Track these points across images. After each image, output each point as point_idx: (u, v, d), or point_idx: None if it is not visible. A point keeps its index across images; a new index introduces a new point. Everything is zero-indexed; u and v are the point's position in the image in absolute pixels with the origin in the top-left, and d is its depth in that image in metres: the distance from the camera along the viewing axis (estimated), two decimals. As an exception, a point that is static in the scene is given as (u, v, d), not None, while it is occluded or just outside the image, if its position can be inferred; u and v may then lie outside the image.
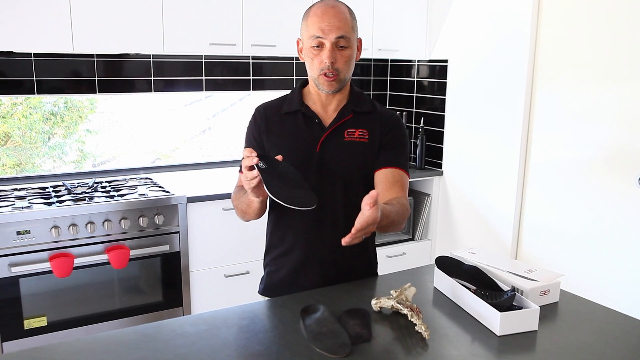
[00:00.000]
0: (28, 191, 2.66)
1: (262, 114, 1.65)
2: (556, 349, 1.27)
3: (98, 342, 1.27)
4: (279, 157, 1.43)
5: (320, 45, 1.51)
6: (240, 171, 1.64)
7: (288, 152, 1.59)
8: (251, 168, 1.36)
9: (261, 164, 1.37)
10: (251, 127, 1.66)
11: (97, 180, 2.89)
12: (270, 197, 1.35)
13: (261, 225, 1.79)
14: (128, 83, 3.02)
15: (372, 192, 1.24)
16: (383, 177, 1.59)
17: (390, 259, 3.36)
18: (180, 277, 2.69)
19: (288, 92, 1.69)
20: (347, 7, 1.55)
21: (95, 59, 2.90)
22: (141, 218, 2.54)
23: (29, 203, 2.43)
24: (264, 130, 1.63)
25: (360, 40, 1.59)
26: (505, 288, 1.45)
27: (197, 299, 2.77)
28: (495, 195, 3.13)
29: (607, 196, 2.61)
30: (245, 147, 1.67)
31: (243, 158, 1.67)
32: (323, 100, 1.61)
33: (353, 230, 1.25)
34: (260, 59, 3.36)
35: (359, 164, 1.60)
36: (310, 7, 1.56)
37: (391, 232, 1.58)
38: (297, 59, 3.41)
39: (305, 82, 1.66)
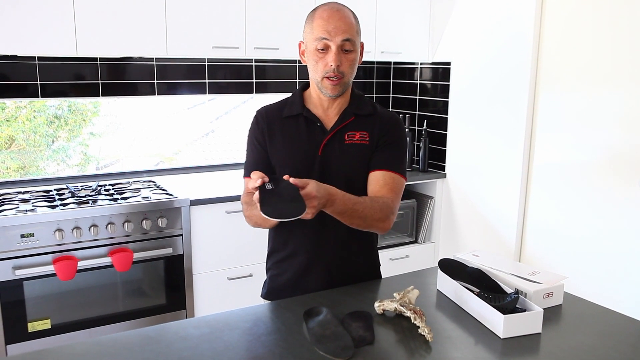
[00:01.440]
0: (32, 194, 2.66)
1: (264, 117, 1.64)
2: (560, 351, 1.26)
3: (101, 345, 1.27)
4: (286, 177, 1.38)
5: (325, 48, 1.50)
6: (245, 176, 1.64)
7: (290, 156, 1.59)
8: (257, 189, 1.34)
9: (269, 186, 1.35)
10: (254, 130, 1.65)
11: (101, 183, 2.89)
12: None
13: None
14: (131, 86, 3.03)
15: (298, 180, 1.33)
16: (374, 179, 1.58)
17: (393, 262, 3.35)
18: (183, 280, 2.69)
19: (289, 95, 1.69)
20: (352, 11, 1.56)
21: (98, 62, 2.91)
22: (144, 221, 2.54)
23: (33, 206, 2.44)
24: (266, 133, 1.62)
25: (362, 45, 1.59)
26: (509, 290, 1.45)
27: (200, 301, 2.77)
28: (498, 198, 3.12)
29: (610, 198, 2.60)
30: (247, 151, 1.67)
31: (247, 161, 1.68)
32: (324, 104, 1.61)
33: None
34: (263, 62, 3.36)
35: (360, 167, 1.60)
36: (315, 10, 1.55)
37: (370, 229, 1.53)
38: (299, 61, 3.41)
39: (306, 86, 1.66)
